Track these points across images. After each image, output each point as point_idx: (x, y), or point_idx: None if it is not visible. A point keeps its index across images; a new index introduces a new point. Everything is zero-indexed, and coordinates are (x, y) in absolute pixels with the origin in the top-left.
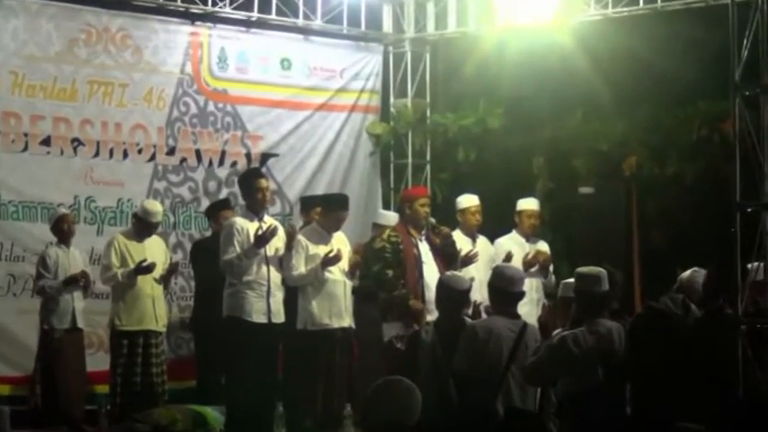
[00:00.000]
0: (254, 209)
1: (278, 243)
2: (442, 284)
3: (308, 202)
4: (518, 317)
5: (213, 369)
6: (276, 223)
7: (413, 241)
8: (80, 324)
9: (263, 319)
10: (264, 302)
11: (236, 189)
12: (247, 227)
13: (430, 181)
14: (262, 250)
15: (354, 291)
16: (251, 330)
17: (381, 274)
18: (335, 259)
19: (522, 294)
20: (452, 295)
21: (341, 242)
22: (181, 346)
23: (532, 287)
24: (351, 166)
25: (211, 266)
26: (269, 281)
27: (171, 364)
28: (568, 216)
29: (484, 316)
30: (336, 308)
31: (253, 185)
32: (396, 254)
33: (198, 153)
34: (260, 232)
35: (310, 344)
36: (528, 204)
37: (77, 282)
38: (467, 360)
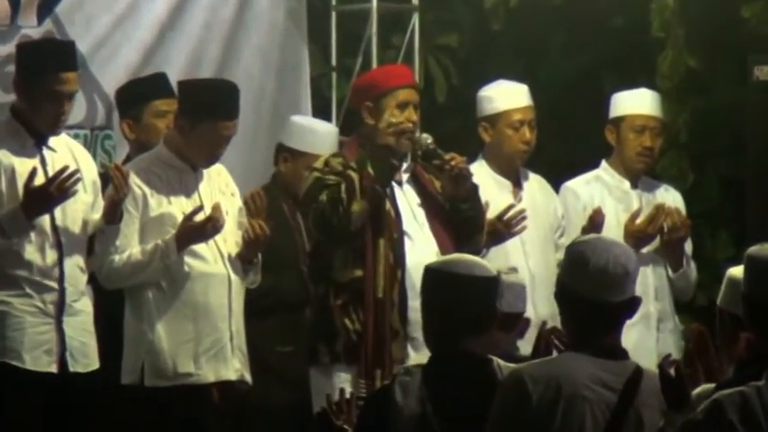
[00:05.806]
0: (38, 125)
1: (81, 201)
2: (430, 276)
3: (139, 95)
4: (622, 355)
5: None
6: (78, 151)
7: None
8: None
9: (46, 366)
10: (52, 329)
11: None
12: (13, 164)
13: (418, 52)
14: (42, 218)
15: (253, 300)
16: (19, 390)
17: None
18: (209, 228)
19: (629, 308)
20: None
21: (219, 187)
22: None
23: (647, 288)
24: (241, 18)
25: None
26: (62, 281)
27: None
28: (727, 131)
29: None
30: (212, 338)
31: (45, 81)
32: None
33: None
34: (36, 179)
35: (151, 416)
36: (638, 104)
37: None
38: None
